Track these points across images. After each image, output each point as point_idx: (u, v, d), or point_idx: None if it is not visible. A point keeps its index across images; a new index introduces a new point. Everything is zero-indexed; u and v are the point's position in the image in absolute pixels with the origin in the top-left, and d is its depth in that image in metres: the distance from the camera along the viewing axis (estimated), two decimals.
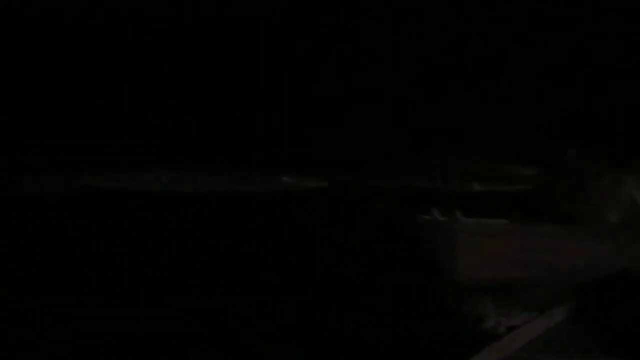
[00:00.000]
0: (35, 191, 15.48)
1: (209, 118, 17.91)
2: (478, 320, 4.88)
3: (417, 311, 5.55)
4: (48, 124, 16.98)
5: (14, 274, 7.20)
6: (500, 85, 17.57)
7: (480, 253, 4.91)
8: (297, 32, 17.70)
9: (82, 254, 8.75)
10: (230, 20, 17.15)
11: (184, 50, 17.64)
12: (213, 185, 16.47)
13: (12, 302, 5.96)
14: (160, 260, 9.94)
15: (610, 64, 15.51)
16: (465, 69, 17.48)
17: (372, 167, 17.25)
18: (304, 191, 17.03)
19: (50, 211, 12.77)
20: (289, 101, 18.51)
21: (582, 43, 15.72)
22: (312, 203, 15.31)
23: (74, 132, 17.70)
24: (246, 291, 7.24)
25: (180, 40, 17.46)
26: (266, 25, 17.11)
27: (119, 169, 15.63)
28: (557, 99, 16.78)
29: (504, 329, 4.60)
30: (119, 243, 8.94)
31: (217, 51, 17.42)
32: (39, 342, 5.10)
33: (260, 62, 18.76)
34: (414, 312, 5.49)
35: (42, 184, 15.78)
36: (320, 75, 18.60)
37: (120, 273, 8.50)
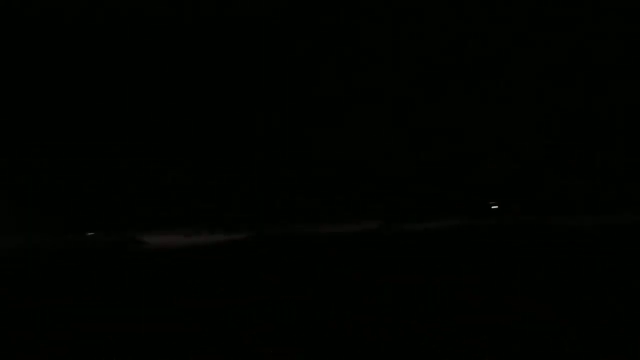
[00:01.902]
0: None
1: (209, 118, 17.94)
2: None
3: (417, 311, 5.58)
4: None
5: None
6: (500, 85, 17.51)
7: None
8: (297, 32, 17.68)
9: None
10: (231, 20, 17.21)
11: (183, 50, 17.60)
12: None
13: (13, 302, 5.97)
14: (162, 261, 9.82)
15: (611, 64, 15.48)
16: (466, 69, 17.42)
17: (371, 167, 17.41)
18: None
19: None
20: (288, 101, 18.48)
21: (582, 43, 15.69)
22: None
23: (72, 130, 17.76)
24: (246, 291, 7.23)
25: (180, 40, 17.44)
26: (266, 25, 17.14)
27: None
28: (557, 99, 16.75)
29: None
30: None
31: (217, 51, 17.41)
32: (39, 342, 5.12)
33: (260, 62, 18.75)
34: (414, 312, 5.52)
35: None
36: (320, 75, 18.54)
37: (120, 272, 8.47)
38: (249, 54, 19.77)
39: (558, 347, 4.41)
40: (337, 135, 20.17)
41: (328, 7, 17.76)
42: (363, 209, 19.78)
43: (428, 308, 5.84)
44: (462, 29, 18.03)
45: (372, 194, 20.46)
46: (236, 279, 9.19)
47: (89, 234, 19.35)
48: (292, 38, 19.18)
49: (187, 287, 8.77)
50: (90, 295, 8.51)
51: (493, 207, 21.16)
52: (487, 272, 8.47)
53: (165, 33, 18.60)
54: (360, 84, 20.13)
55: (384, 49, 19.77)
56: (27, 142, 18.70)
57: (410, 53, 19.43)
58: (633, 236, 11.67)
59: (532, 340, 4.55)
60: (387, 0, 17.46)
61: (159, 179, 20.12)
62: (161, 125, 19.27)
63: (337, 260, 11.80)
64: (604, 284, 6.16)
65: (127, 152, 19.71)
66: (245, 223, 19.48)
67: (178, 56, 19.19)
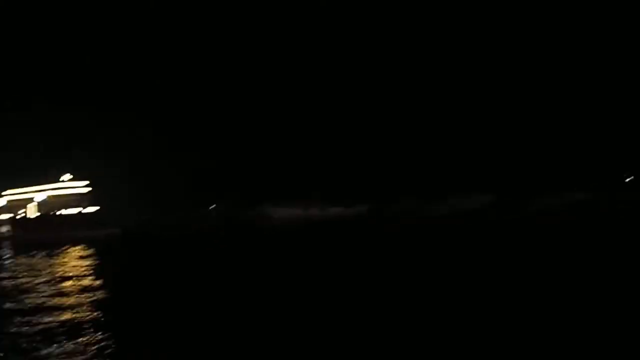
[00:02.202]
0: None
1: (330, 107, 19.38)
2: None
3: (419, 312, 5.53)
4: None
5: None
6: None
7: None
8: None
9: None
10: None
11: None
12: None
13: None
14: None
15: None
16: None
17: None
18: None
19: None
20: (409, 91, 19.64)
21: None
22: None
23: None
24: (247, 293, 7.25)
25: None
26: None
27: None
28: None
29: None
30: None
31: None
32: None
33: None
34: (417, 313, 5.46)
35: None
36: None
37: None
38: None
39: None
40: (453, 112, 20.70)
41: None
42: (481, 182, 19.40)
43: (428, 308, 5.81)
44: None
45: (490, 167, 20.11)
46: (354, 252, 9.04)
47: (211, 207, 20.71)
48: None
49: (308, 258, 8.65)
50: (216, 267, 8.47)
51: (628, 179, 20.06)
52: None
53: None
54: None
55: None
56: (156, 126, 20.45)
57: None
58: None
59: None
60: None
61: (281, 155, 21.34)
62: (285, 112, 20.61)
63: (452, 236, 11.54)
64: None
65: (251, 132, 21.12)
66: (362, 198, 19.70)
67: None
